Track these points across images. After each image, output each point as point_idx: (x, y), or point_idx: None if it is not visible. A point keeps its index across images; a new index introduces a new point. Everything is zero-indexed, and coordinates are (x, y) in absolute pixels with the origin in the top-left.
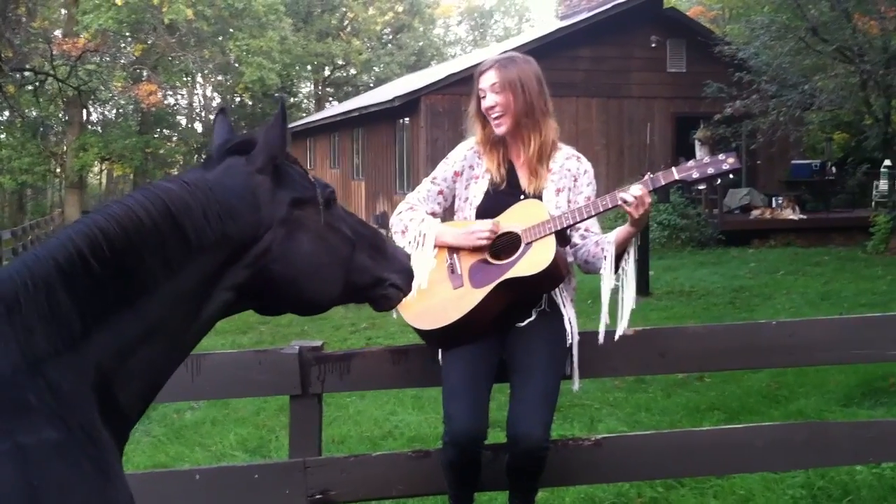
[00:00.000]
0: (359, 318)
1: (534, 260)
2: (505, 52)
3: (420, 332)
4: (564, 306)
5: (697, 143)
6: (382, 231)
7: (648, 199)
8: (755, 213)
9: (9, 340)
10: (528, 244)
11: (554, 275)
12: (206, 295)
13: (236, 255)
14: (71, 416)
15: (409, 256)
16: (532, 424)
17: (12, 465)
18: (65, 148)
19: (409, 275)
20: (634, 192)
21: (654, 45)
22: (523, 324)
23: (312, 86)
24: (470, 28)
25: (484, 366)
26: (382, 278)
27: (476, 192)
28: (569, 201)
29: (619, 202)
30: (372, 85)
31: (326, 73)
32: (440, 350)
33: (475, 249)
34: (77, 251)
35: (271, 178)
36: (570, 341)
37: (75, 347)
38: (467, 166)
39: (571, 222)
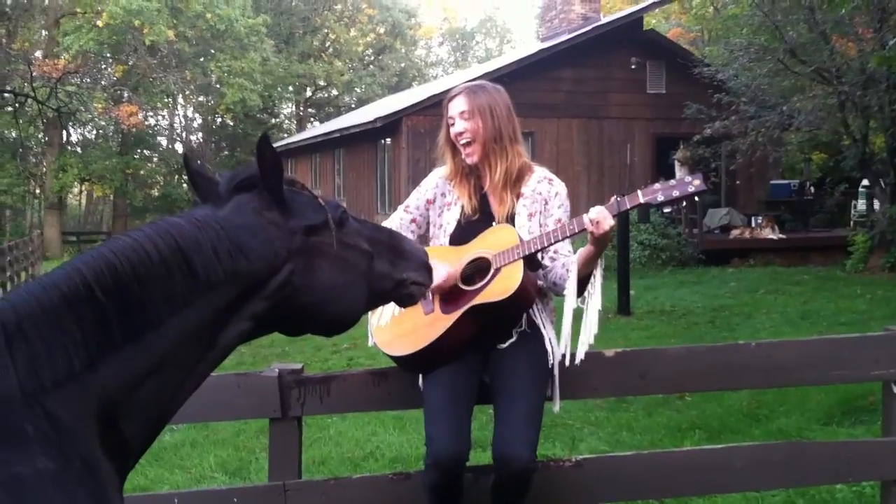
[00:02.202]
0: (340, 338)
1: (501, 285)
2: (477, 77)
3: (392, 358)
4: (545, 327)
5: (677, 164)
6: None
7: (610, 221)
8: (735, 232)
9: (8, 369)
10: (497, 269)
11: (522, 299)
12: (222, 326)
13: (254, 289)
14: (69, 446)
15: (423, 250)
16: (520, 446)
17: (7, 495)
18: (44, 169)
19: (428, 268)
20: (594, 213)
21: (634, 66)
22: (505, 345)
23: (294, 107)
24: (451, 49)
25: (465, 387)
26: (403, 279)
27: (449, 220)
28: (540, 225)
29: (585, 224)
30: (353, 106)
31: (308, 93)
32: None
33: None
34: (82, 282)
35: (282, 210)
36: (551, 362)
37: (78, 378)
38: (439, 194)
39: (540, 247)
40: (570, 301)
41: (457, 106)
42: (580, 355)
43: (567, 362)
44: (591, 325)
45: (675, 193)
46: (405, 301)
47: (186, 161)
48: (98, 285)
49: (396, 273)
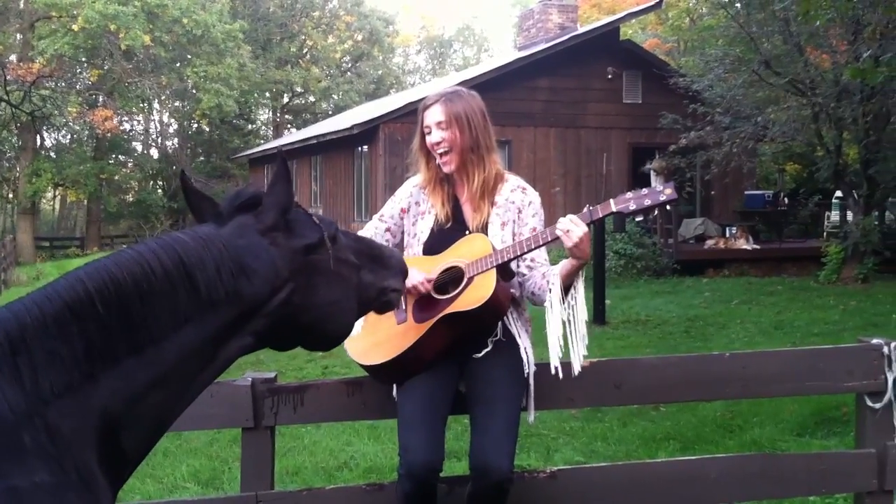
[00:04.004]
0: None
1: (474, 294)
2: (454, 86)
3: (365, 368)
4: (520, 336)
5: (653, 174)
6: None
7: (581, 230)
8: (709, 242)
9: (9, 380)
10: (470, 279)
11: (494, 308)
12: (224, 341)
13: (255, 308)
14: (67, 459)
15: (400, 255)
16: (498, 456)
17: None
18: (17, 173)
19: (405, 274)
20: (565, 221)
21: (610, 76)
22: (480, 354)
23: (271, 113)
24: (429, 57)
25: (440, 396)
26: (385, 287)
27: (423, 229)
28: (514, 234)
29: (557, 233)
30: (331, 112)
31: (285, 100)
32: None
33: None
34: (85, 293)
35: (283, 231)
36: (527, 371)
37: (79, 390)
38: (413, 202)
39: (513, 255)
40: (555, 313)
41: (433, 115)
42: (577, 367)
43: (561, 374)
44: (581, 336)
45: (647, 202)
46: (384, 308)
47: (183, 180)
48: (100, 297)
49: (379, 281)
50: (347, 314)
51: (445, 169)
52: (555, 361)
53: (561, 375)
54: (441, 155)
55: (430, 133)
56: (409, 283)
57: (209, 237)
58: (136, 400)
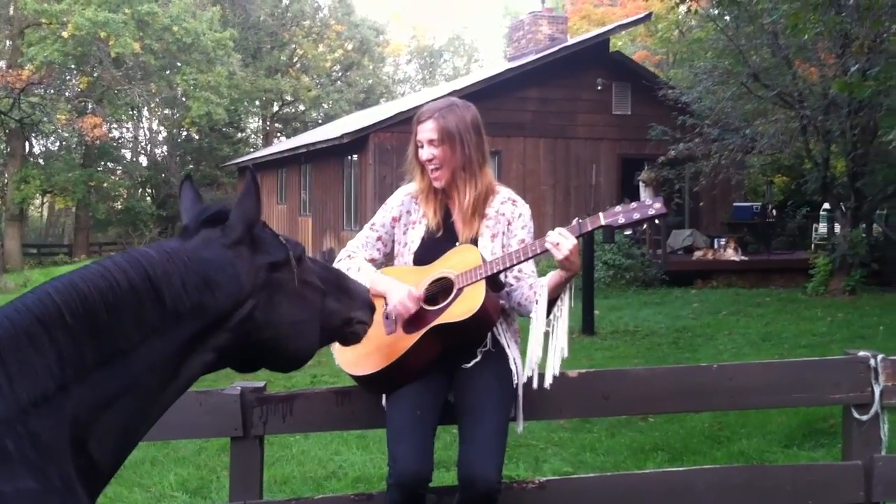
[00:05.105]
0: None
1: (463, 306)
2: (445, 96)
3: (355, 378)
4: (509, 347)
5: (642, 185)
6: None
7: (570, 243)
8: (698, 253)
9: None
10: (460, 290)
11: (483, 320)
12: (185, 357)
13: (218, 322)
14: (49, 466)
15: (367, 289)
16: (486, 466)
17: None
18: (6, 180)
19: (371, 307)
20: (554, 235)
21: (600, 87)
22: (469, 364)
23: (260, 121)
24: (419, 67)
25: (429, 406)
26: (351, 318)
27: (413, 238)
28: (503, 246)
29: (546, 246)
30: (320, 121)
31: (275, 108)
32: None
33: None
34: (53, 306)
35: (248, 246)
36: (515, 381)
37: (54, 400)
38: (405, 211)
39: (503, 267)
40: (539, 324)
41: (426, 132)
42: (549, 379)
43: (535, 384)
44: (560, 349)
45: (636, 216)
46: (350, 339)
47: (188, 179)
48: (68, 309)
49: (344, 311)
50: (310, 336)
51: (437, 184)
52: (528, 372)
53: (535, 385)
54: (432, 171)
55: (422, 146)
56: (395, 301)
57: (174, 251)
58: (104, 411)
